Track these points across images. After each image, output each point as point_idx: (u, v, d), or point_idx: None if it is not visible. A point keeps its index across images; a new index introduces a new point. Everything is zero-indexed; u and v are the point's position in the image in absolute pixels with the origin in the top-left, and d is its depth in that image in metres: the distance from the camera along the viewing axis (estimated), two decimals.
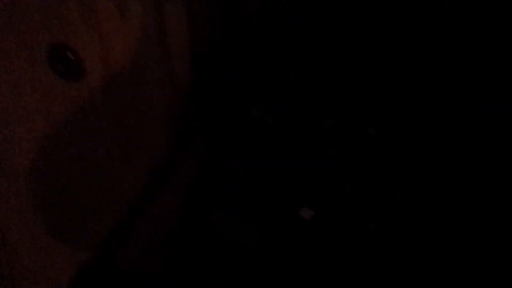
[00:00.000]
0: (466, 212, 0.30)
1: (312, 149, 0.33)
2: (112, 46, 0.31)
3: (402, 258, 0.30)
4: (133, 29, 0.30)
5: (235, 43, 0.33)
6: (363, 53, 0.32)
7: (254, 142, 0.36)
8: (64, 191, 0.32)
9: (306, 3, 0.31)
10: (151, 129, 0.36)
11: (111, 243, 0.36)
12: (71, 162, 0.32)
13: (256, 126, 0.35)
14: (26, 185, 0.30)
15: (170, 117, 0.36)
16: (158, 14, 0.30)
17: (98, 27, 0.30)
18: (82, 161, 0.33)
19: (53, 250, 0.32)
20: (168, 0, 0.30)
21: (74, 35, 0.30)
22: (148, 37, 0.31)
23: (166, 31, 0.31)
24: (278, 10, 0.32)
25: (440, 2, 0.32)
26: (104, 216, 0.36)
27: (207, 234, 0.33)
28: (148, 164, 0.36)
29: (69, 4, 0.28)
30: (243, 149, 0.36)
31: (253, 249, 0.31)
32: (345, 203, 0.32)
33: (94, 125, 0.35)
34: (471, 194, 0.30)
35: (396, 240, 0.31)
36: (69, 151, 0.32)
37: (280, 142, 0.35)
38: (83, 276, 0.33)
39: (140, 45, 0.31)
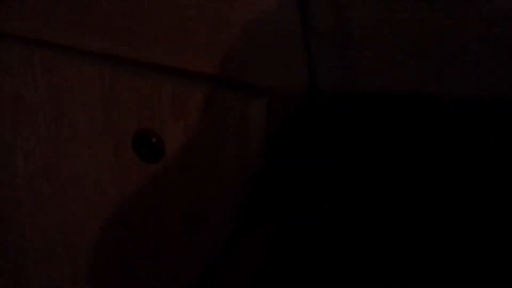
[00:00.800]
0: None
1: None
2: (194, 132, 0.35)
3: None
4: (215, 118, 0.33)
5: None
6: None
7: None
8: (123, 264, 0.34)
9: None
10: (221, 206, 0.35)
11: None
12: (135, 234, 0.34)
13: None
14: (85, 256, 0.33)
15: (241, 197, 0.35)
16: (241, 105, 0.33)
17: (184, 116, 0.35)
18: (146, 235, 0.34)
19: None
20: (253, 95, 0.33)
21: (161, 123, 0.35)
22: (228, 126, 0.33)
23: (247, 122, 0.33)
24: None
25: None
26: None
27: None
28: (214, 238, 0.35)
29: (162, 94, 0.35)
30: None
31: None
32: None
33: (165, 202, 0.38)
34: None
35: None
36: (135, 225, 0.34)
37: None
38: None
39: (220, 133, 0.33)
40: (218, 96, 0.33)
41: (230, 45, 0.31)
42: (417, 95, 0.27)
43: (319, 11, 0.28)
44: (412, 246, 0.31)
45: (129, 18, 0.33)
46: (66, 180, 0.42)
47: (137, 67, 0.34)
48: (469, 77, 0.27)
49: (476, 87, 0.27)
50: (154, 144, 0.36)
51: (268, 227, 0.35)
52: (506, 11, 0.25)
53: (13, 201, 0.46)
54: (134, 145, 0.36)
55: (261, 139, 0.33)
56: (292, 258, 0.33)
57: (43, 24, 0.35)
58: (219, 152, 0.34)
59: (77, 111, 0.38)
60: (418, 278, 0.30)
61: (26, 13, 0.36)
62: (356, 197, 0.32)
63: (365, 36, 0.27)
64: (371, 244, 0.32)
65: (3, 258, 0.49)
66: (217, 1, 0.30)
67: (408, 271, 0.31)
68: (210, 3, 0.30)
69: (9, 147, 0.43)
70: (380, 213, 0.32)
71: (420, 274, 0.30)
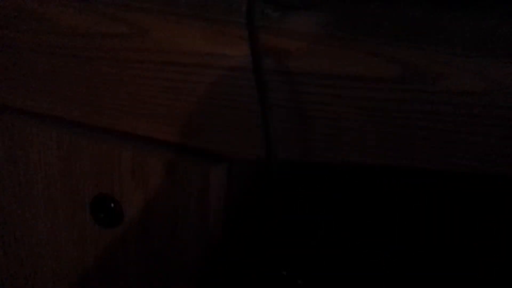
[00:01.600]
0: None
1: None
2: (154, 198, 0.35)
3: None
4: (175, 185, 0.34)
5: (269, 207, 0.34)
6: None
7: None
8: None
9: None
10: (179, 272, 0.35)
11: None
12: None
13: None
14: None
15: (200, 269, 0.34)
16: (201, 173, 0.33)
17: (144, 182, 0.35)
18: None
19: None
20: (213, 162, 0.34)
21: (120, 187, 0.35)
22: (188, 192, 0.33)
23: (208, 188, 0.33)
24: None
25: None
26: None
27: None
28: None
29: (122, 160, 0.34)
30: None
31: None
32: None
33: (123, 268, 0.37)
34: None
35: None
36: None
37: None
38: None
39: (180, 199, 0.33)
40: (178, 162, 0.33)
41: (188, 113, 0.31)
42: (374, 165, 0.28)
43: (275, 83, 0.29)
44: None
45: (89, 86, 0.33)
46: (21, 245, 0.40)
47: (96, 133, 0.34)
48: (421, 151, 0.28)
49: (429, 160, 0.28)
50: (112, 209, 0.35)
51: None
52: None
53: None
54: (92, 209, 0.36)
55: (221, 206, 0.33)
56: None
57: (2, 90, 0.35)
58: (179, 219, 0.34)
59: (35, 174, 0.37)
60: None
61: None
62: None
63: (321, 110, 0.28)
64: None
65: None
66: (172, 72, 0.30)
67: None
68: (166, 74, 0.31)
69: None
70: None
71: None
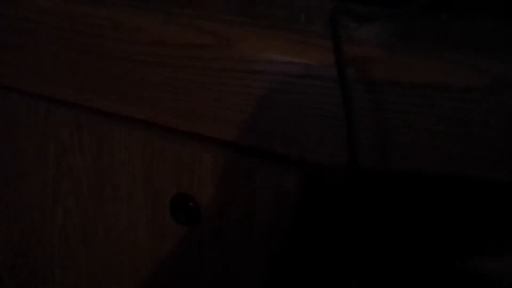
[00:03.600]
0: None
1: None
2: (230, 200, 0.36)
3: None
4: (252, 189, 0.35)
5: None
6: None
7: None
8: None
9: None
10: (250, 274, 0.36)
11: None
12: None
13: None
14: None
15: (270, 274, 0.35)
16: (279, 178, 0.34)
17: (222, 185, 0.36)
18: None
19: None
20: (290, 168, 0.35)
21: (200, 188, 0.37)
22: (265, 198, 0.35)
23: (284, 193, 0.34)
24: None
25: None
26: None
27: None
28: None
29: (203, 162, 0.36)
30: None
31: None
32: None
33: (197, 266, 0.38)
34: None
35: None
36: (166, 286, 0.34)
37: None
38: None
39: (256, 203, 0.35)
40: (256, 167, 0.34)
41: (269, 120, 0.32)
42: (454, 177, 0.28)
43: (357, 92, 0.30)
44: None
45: (175, 93, 0.35)
46: (101, 240, 0.43)
47: (179, 136, 0.36)
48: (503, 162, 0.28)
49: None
50: (190, 208, 0.37)
51: None
52: None
53: (47, 258, 0.47)
54: (171, 208, 0.38)
55: (295, 211, 0.34)
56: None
57: (93, 94, 0.38)
58: (254, 222, 0.35)
59: (119, 174, 0.39)
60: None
61: (75, 83, 0.38)
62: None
63: (403, 120, 0.29)
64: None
65: None
66: (255, 80, 0.32)
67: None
68: (249, 82, 0.32)
69: (49, 203, 0.44)
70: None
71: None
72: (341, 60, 0.28)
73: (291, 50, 0.31)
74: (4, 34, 0.40)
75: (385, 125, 0.30)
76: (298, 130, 0.32)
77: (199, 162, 0.36)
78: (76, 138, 0.40)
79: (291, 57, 0.31)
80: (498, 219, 0.32)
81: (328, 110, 0.31)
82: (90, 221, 0.43)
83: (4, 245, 0.50)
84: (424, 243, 0.32)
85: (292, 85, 0.31)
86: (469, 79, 0.27)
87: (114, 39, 0.36)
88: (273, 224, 0.35)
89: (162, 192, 0.38)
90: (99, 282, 0.45)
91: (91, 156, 0.40)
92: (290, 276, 0.36)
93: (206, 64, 0.33)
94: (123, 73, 0.36)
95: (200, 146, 0.36)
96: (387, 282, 0.31)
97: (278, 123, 0.32)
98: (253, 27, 0.33)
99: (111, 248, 0.43)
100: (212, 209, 0.37)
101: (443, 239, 0.32)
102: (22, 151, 0.44)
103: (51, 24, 0.38)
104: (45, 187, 0.44)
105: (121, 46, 0.35)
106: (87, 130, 0.40)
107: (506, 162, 0.27)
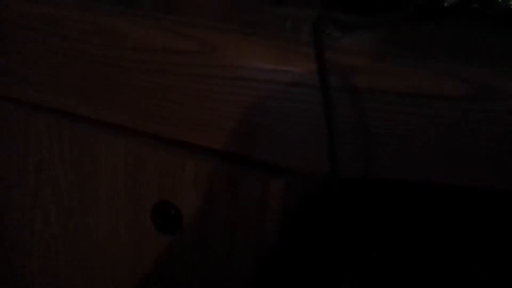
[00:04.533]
0: None
1: None
2: (213, 208, 0.36)
3: None
4: (234, 196, 0.35)
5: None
6: None
7: None
8: None
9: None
10: (234, 282, 0.36)
11: None
12: None
13: None
14: None
15: (255, 280, 0.35)
16: (261, 185, 0.34)
17: (205, 192, 0.36)
18: None
19: None
20: (273, 175, 0.35)
21: (182, 195, 0.36)
22: (248, 205, 0.34)
23: (267, 201, 0.34)
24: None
25: None
26: None
27: None
28: None
29: (186, 170, 0.36)
30: None
31: None
32: None
33: (179, 275, 0.38)
34: None
35: None
36: None
37: None
38: None
39: (239, 210, 0.34)
40: (238, 174, 0.34)
41: (252, 127, 0.32)
42: (438, 185, 0.28)
43: (339, 100, 0.30)
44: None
45: (157, 99, 0.34)
46: (81, 248, 0.42)
47: (161, 143, 0.36)
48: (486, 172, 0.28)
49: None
50: (172, 215, 0.37)
51: None
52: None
53: (27, 266, 0.46)
54: (152, 215, 0.37)
55: (279, 218, 0.34)
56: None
57: (75, 100, 0.37)
58: (237, 229, 0.35)
59: (100, 180, 0.39)
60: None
61: (58, 88, 0.38)
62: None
63: (386, 128, 0.29)
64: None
65: None
66: (239, 87, 0.32)
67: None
68: (233, 89, 0.32)
69: (28, 210, 0.44)
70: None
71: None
72: (323, 68, 0.28)
73: (275, 57, 0.31)
74: None
75: (367, 133, 0.30)
76: (282, 137, 0.32)
77: (182, 169, 0.35)
78: (56, 145, 0.40)
79: (275, 64, 0.31)
80: (484, 226, 0.32)
81: (311, 118, 0.31)
82: (70, 229, 0.42)
83: None
84: (408, 249, 0.32)
85: (276, 93, 0.31)
86: (453, 87, 0.28)
87: (98, 44, 0.35)
88: (257, 231, 0.35)
89: (143, 199, 0.38)
90: None
91: (72, 162, 0.40)
92: (281, 283, 0.36)
93: (191, 70, 0.33)
94: (106, 79, 0.36)
95: (183, 153, 0.36)
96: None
97: (262, 130, 0.32)
98: (238, 34, 0.33)
99: (92, 256, 0.42)
100: (195, 216, 0.36)
101: (427, 245, 0.32)
102: (2, 157, 0.43)
103: (35, 29, 0.38)
104: (25, 194, 0.43)
105: (105, 52, 0.35)
106: (68, 136, 0.39)
107: (491, 171, 0.28)
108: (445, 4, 0.41)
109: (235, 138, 0.33)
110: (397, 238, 0.33)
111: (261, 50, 0.32)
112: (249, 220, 0.35)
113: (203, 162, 0.35)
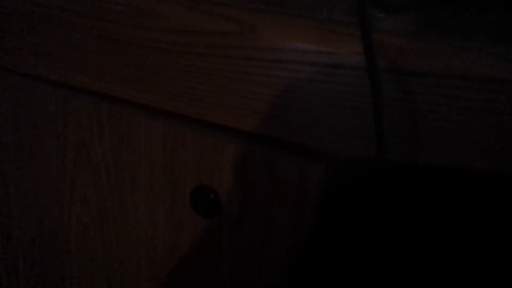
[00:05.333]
0: None
1: None
2: (251, 193, 0.36)
3: None
4: (273, 181, 0.34)
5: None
6: None
7: None
8: None
9: None
10: (271, 268, 0.35)
11: None
12: None
13: None
14: None
15: (291, 267, 0.35)
16: (300, 171, 0.34)
17: (243, 176, 0.36)
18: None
19: None
20: (312, 160, 0.34)
21: (220, 180, 0.36)
22: (287, 191, 0.34)
23: (306, 186, 0.33)
24: None
25: None
26: None
27: None
28: None
29: (224, 153, 0.36)
30: None
31: None
32: None
33: (216, 258, 0.38)
34: None
35: None
36: (186, 279, 0.34)
37: None
38: None
39: (278, 195, 0.34)
40: (278, 159, 0.34)
41: (292, 111, 0.32)
42: (483, 172, 0.27)
43: (385, 82, 0.29)
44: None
45: (196, 81, 0.34)
46: (119, 231, 0.43)
47: (200, 127, 0.36)
48: None
49: None
50: (211, 200, 0.37)
51: None
52: None
53: (64, 249, 0.47)
54: (191, 199, 0.37)
55: (317, 204, 0.34)
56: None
57: (113, 82, 0.37)
58: (275, 214, 0.35)
59: (138, 164, 0.39)
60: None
61: (96, 71, 0.38)
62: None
63: (432, 111, 0.28)
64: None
65: None
66: (280, 69, 0.31)
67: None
68: (274, 72, 0.31)
69: (67, 193, 0.44)
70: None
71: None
72: (370, 48, 0.27)
73: (317, 38, 0.30)
74: (25, 21, 0.40)
75: (413, 116, 0.29)
76: (322, 121, 0.31)
77: (220, 153, 0.35)
78: (95, 127, 0.40)
79: (317, 45, 0.30)
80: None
81: (355, 101, 0.30)
82: (108, 212, 0.43)
83: (22, 235, 0.50)
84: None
85: (318, 75, 0.31)
86: (499, 69, 0.26)
87: (137, 27, 0.35)
88: (295, 217, 0.35)
89: (182, 182, 0.38)
90: (115, 273, 0.45)
91: (111, 145, 0.40)
92: (315, 273, 0.35)
93: (230, 52, 0.33)
94: (145, 61, 0.36)
95: (222, 137, 0.35)
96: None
97: (302, 113, 0.32)
98: (278, 15, 0.32)
99: (129, 239, 0.42)
100: (233, 201, 0.36)
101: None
102: (41, 140, 0.44)
103: (73, 11, 0.38)
104: (64, 177, 0.44)
105: (144, 34, 0.35)
106: (107, 119, 0.39)
107: None
108: None
109: (274, 122, 0.33)
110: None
111: (302, 31, 0.31)
112: (287, 205, 0.34)
113: (241, 146, 0.35)
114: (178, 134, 0.37)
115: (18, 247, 0.51)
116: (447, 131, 0.28)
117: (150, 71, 0.36)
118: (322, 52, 0.30)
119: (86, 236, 0.45)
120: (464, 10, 0.37)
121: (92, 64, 0.38)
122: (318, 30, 0.31)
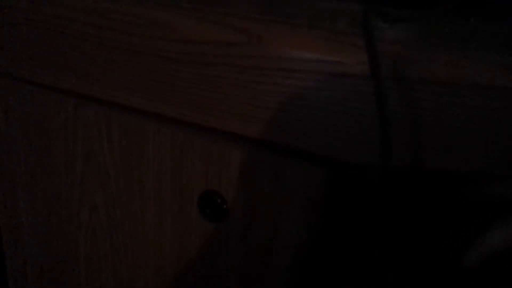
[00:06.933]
0: None
1: None
2: (258, 198, 0.36)
3: None
4: (280, 187, 0.35)
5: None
6: None
7: None
8: None
9: None
10: (277, 273, 0.36)
11: None
12: None
13: None
14: None
15: (298, 272, 0.35)
16: (306, 176, 0.34)
17: (250, 182, 0.36)
18: None
19: None
20: (318, 166, 0.35)
21: (227, 185, 0.37)
22: (292, 196, 0.35)
23: (312, 192, 0.34)
24: None
25: None
26: None
27: None
28: None
29: (232, 160, 0.36)
30: None
31: None
32: None
33: (223, 263, 0.39)
34: None
35: None
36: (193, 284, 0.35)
37: None
38: None
39: (284, 201, 0.35)
40: (284, 165, 0.34)
41: (299, 118, 0.32)
42: (487, 176, 0.28)
43: (389, 90, 0.30)
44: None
45: (205, 89, 0.35)
46: (127, 236, 0.43)
47: (208, 133, 0.37)
48: None
49: None
50: (218, 205, 0.37)
51: None
52: None
53: (73, 254, 0.47)
54: (199, 204, 0.38)
55: (323, 210, 0.34)
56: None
57: (122, 91, 0.38)
58: (281, 219, 0.35)
59: (147, 170, 0.40)
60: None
61: (106, 80, 0.39)
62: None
63: (436, 118, 0.29)
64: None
65: None
66: (286, 78, 0.32)
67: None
68: (280, 80, 0.32)
69: (76, 199, 0.45)
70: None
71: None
72: (374, 57, 0.28)
73: (322, 48, 0.31)
74: (36, 31, 0.41)
75: (417, 124, 0.30)
76: (327, 128, 0.32)
77: (228, 159, 0.36)
78: (105, 134, 0.41)
79: (322, 55, 0.31)
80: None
81: (359, 108, 0.31)
82: (116, 217, 0.43)
83: (30, 240, 0.50)
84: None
85: (323, 83, 0.31)
86: (501, 78, 0.27)
87: (146, 37, 0.36)
88: (301, 222, 0.35)
89: (190, 188, 0.38)
90: (124, 277, 0.45)
91: (120, 152, 0.41)
92: (318, 274, 0.36)
93: (238, 61, 0.33)
94: (154, 70, 0.37)
95: (229, 143, 0.36)
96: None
97: (308, 121, 0.33)
98: (284, 25, 0.33)
99: (137, 244, 0.43)
100: (240, 206, 0.37)
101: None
102: (51, 147, 0.45)
103: (83, 22, 0.39)
104: (73, 184, 0.45)
105: (152, 44, 0.36)
106: (117, 126, 0.40)
107: None
108: None
109: (280, 129, 0.34)
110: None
111: (308, 41, 0.32)
112: (294, 211, 0.35)
113: (248, 153, 0.35)
114: (186, 141, 0.37)
115: (27, 254, 0.51)
116: (450, 137, 0.29)
117: (159, 80, 0.37)
118: (327, 62, 0.31)
119: (95, 242, 0.46)
120: (466, 20, 0.38)
121: (101, 73, 0.39)
122: (324, 40, 0.32)
